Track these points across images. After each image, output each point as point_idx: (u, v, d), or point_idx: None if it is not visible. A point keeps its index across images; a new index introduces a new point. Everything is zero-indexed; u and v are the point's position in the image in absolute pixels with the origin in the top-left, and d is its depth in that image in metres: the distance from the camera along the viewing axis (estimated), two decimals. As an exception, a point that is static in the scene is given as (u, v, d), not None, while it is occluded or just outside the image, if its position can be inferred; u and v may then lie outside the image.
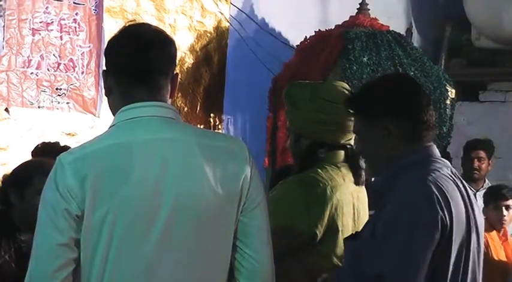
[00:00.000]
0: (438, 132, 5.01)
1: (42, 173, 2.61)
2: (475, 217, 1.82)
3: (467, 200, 1.81)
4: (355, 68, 4.72)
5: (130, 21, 1.86)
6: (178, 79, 1.80)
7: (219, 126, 5.15)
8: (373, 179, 1.95)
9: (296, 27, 5.43)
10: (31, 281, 1.63)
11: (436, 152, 1.86)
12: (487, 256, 4.17)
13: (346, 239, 1.93)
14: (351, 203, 2.23)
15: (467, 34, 6.83)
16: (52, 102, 4.13)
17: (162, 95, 1.72)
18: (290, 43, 5.51)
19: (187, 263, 1.65)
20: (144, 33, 1.72)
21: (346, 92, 2.24)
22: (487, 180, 4.94)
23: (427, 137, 1.85)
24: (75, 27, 4.23)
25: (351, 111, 1.91)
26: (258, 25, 5.42)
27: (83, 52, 4.26)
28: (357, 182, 2.25)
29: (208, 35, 5.07)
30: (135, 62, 1.69)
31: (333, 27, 5.25)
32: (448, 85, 5.12)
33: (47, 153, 2.98)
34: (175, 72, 1.77)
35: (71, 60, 4.21)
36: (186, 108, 4.93)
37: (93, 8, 4.28)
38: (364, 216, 2.27)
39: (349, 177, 2.23)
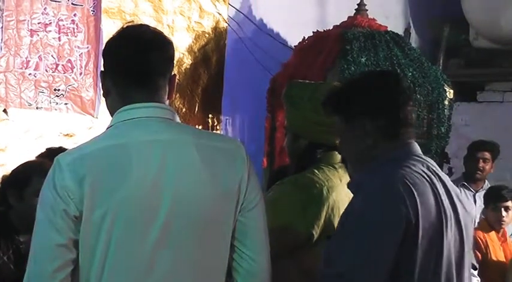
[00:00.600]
0: (436, 133, 5.02)
1: (41, 173, 2.62)
2: (456, 214, 1.80)
3: (443, 197, 1.78)
4: (353, 68, 4.72)
5: (129, 22, 1.88)
6: (176, 80, 1.81)
7: (217, 127, 5.16)
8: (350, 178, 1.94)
9: (294, 28, 5.43)
10: (35, 279, 1.63)
11: (417, 149, 1.85)
12: (486, 256, 4.20)
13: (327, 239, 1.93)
14: (347, 204, 2.23)
15: (465, 34, 6.83)
16: (50, 103, 4.13)
17: (160, 96, 1.73)
18: (288, 44, 5.52)
19: (186, 263, 1.65)
20: (142, 35, 1.72)
21: None
22: (486, 181, 4.95)
23: (406, 134, 1.84)
24: (74, 28, 4.23)
25: (330, 111, 1.91)
26: (256, 26, 5.43)
27: (81, 53, 4.26)
28: None
29: (207, 35, 5.07)
30: (134, 63, 1.69)
31: (331, 28, 5.25)
32: (446, 85, 5.12)
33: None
34: (173, 74, 1.77)
35: (69, 61, 4.21)
36: (184, 109, 4.93)
37: (91, 9, 4.28)
38: None
39: (346, 178, 2.24)
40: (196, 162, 1.66)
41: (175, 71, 4.93)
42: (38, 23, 4.08)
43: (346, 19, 5.23)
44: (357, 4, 5.30)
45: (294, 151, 2.31)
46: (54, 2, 4.15)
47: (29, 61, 4.06)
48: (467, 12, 6.66)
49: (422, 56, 5.22)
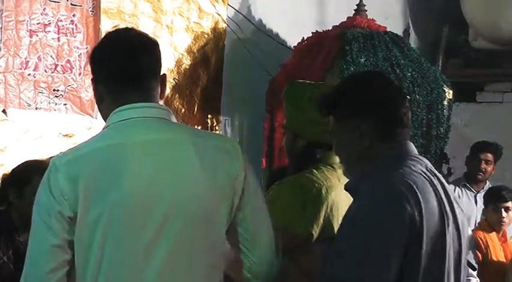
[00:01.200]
0: (436, 133, 5.02)
1: (41, 173, 2.63)
2: (454, 214, 1.80)
3: (442, 197, 1.78)
4: (352, 69, 4.72)
5: (115, 26, 1.88)
6: (176, 81, 1.82)
7: (217, 127, 5.16)
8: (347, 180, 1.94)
9: (293, 28, 5.43)
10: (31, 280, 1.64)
11: (413, 149, 1.85)
12: (486, 257, 4.20)
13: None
14: (347, 204, 2.23)
15: (465, 35, 6.83)
16: (49, 103, 4.13)
17: (154, 96, 1.74)
18: (287, 44, 5.51)
19: (181, 261, 1.65)
20: (130, 38, 1.74)
21: None
22: (488, 182, 4.95)
23: (401, 134, 1.83)
24: (73, 29, 4.23)
25: (324, 112, 1.90)
26: (255, 26, 5.43)
27: (80, 53, 4.26)
28: None
29: (206, 36, 5.07)
30: (126, 68, 1.70)
31: (330, 28, 5.25)
32: (445, 86, 5.12)
33: None
34: (162, 73, 1.78)
35: (68, 61, 4.21)
36: (183, 110, 4.93)
37: (91, 9, 4.28)
38: None
39: (344, 178, 2.23)
40: (192, 161, 1.66)
41: (174, 71, 4.98)
42: (37, 24, 4.08)
43: (345, 20, 5.23)
44: (356, 5, 5.30)
45: (292, 151, 2.31)
46: (54, 3, 4.15)
47: (28, 61, 4.06)
48: (466, 12, 6.66)
49: (421, 56, 5.22)
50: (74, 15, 4.23)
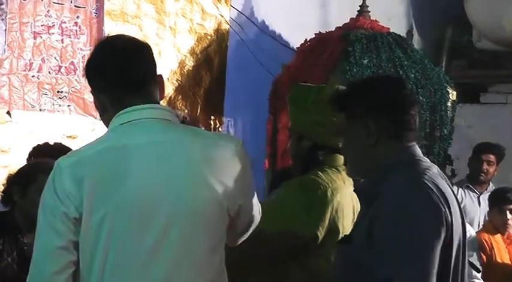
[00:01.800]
0: (439, 135, 5.01)
1: (47, 171, 2.63)
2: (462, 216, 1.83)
3: (458, 199, 1.83)
4: (355, 70, 4.72)
5: (107, 36, 1.88)
6: (170, 80, 1.84)
7: (220, 129, 5.16)
8: (358, 182, 1.94)
9: (296, 30, 5.43)
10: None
11: (419, 152, 1.86)
12: (491, 259, 4.20)
13: (338, 243, 1.92)
14: (351, 206, 2.24)
15: (468, 36, 6.82)
16: (53, 105, 4.14)
17: (155, 98, 1.75)
18: (290, 45, 5.52)
19: (185, 262, 1.66)
20: (123, 45, 1.74)
21: None
22: (491, 184, 4.94)
23: (408, 136, 1.85)
24: (76, 31, 4.24)
25: (336, 109, 1.92)
26: (258, 27, 5.43)
27: (84, 55, 4.26)
28: None
29: (209, 37, 5.07)
30: (126, 74, 1.71)
31: (333, 30, 5.24)
32: (448, 87, 5.12)
33: (44, 154, 3.02)
34: (158, 74, 1.79)
35: (72, 63, 4.22)
36: (186, 111, 4.94)
37: (94, 11, 4.29)
38: None
39: (349, 180, 2.24)
40: (196, 161, 1.68)
41: (177, 73, 4.98)
42: (41, 26, 4.10)
43: (348, 21, 5.23)
44: (359, 6, 5.29)
45: (297, 153, 2.32)
46: (57, 5, 4.17)
47: (32, 63, 4.07)
48: (470, 13, 6.65)
49: (425, 57, 5.22)
50: (77, 17, 4.24)
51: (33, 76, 4.07)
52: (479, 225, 4.73)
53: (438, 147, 5.04)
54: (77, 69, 4.23)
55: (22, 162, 3.16)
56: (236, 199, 1.72)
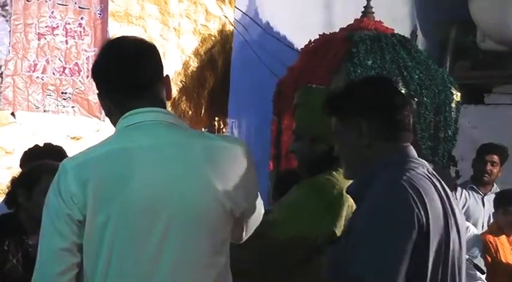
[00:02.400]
0: (443, 136, 5.00)
1: (51, 172, 2.63)
2: (455, 217, 1.81)
3: (445, 199, 1.80)
4: (359, 71, 4.72)
5: (112, 38, 1.87)
6: (174, 81, 1.83)
7: (224, 130, 5.16)
8: (349, 183, 1.94)
9: (300, 31, 5.43)
10: None
11: (413, 152, 1.86)
12: (495, 260, 4.19)
13: (329, 244, 1.93)
14: (356, 210, 2.23)
15: (473, 36, 6.80)
16: (57, 106, 4.15)
17: (161, 100, 1.75)
18: (294, 46, 5.51)
19: (189, 262, 1.66)
20: (127, 47, 1.74)
21: None
22: (495, 185, 4.93)
23: (402, 137, 1.85)
24: (81, 32, 4.25)
25: (328, 112, 1.92)
26: (263, 28, 5.43)
27: (88, 56, 4.27)
28: None
29: (213, 38, 5.08)
30: (130, 77, 1.71)
31: (337, 31, 5.24)
32: (453, 88, 5.11)
33: (39, 156, 3.05)
34: (165, 75, 1.78)
35: (76, 64, 4.23)
36: (190, 112, 4.94)
37: (98, 12, 4.30)
38: None
39: None
40: (200, 164, 1.68)
41: (181, 74, 4.98)
42: (46, 27, 4.10)
43: (352, 22, 5.23)
44: (364, 7, 5.29)
45: (309, 155, 2.29)
46: (62, 6, 4.17)
47: (37, 64, 4.08)
48: (474, 14, 6.64)
49: (429, 58, 5.21)
50: (81, 18, 4.25)
51: (37, 77, 4.08)
52: (483, 226, 4.72)
53: (442, 148, 5.03)
54: (81, 71, 4.24)
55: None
56: (240, 200, 1.72)
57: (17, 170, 3.23)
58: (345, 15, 5.50)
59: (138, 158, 1.65)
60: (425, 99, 4.84)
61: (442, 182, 1.84)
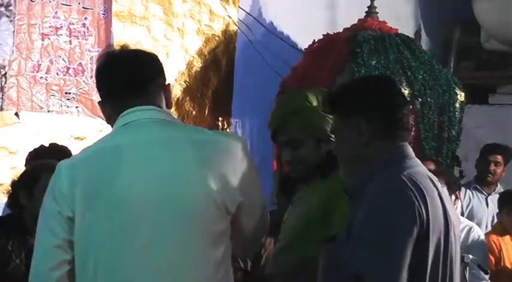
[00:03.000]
0: (447, 136, 4.99)
1: (50, 170, 2.64)
2: (449, 216, 1.81)
3: (443, 197, 1.80)
4: (363, 71, 4.71)
5: (123, 46, 1.91)
6: (178, 82, 1.84)
7: (227, 130, 5.16)
8: (347, 182, 1.93)
9: (304, 31, 5.42)
10: (31, 280, 1.72)
11: (410, 151, 1.86)
12: (499, 260, 4.17)
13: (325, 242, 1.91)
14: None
15: (477, 36, 6.79)
16: (61, 106, 4.15)
17: (155, 101, 1.77)
18: (298, 46, 5.51)
19: (178, 259, 1.66)
20: (125, 53, 1.80)
21: None
22: (499, 185, 4.92)
23: (401, 136, 1.84)
24: (84, 32, 4.25)
25: (328, 110, 1.92)
26: (266, 28, 5.43)
27: (92, 56, 4.28)
28: None
29: (217, 38, 5.08)
30: (128, 78, 1.76)
31: (341, 31, 5.24)
32: (457, 88, 5.10)
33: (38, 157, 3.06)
34: (167, 83, 1.81)
35: (80, 64, 4.23)
36: (194, 112, 4.94)
37: (102, 12, 4.31)
38: None
39: None
40: (187, 158, 1.68)
41: (185, 74, 4.98)
42: (49, 27, 4.11)
43: (356, 22, 5.22)
44: (367, 7, 5.28)
45: (317, 158, 2.23)
46: (65, 6, 4.18)
47: (40, 64, 4.08)
48: (478, 14, 6.62)
49: (433, 58, 5.21)
50: (85, 19, 4.26)
51: (41, 77, 4.08)
52: (487, 226, 4.71)
53: (446, 148, 5.02)
54: (84, 71, 4.24)
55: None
56: (235, 195, 1.71)
57: (21, 170, 3.24)
58: (348, 15, 5.49)
59: (126, 155, 1.68)
60: (429, 99, 4.83)
61: (437, 182, 1.84)
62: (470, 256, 3.32)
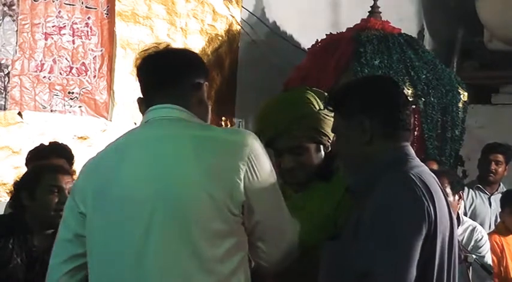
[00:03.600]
0: (450, 136, 4.99)
1: (51, 170, 2.66)
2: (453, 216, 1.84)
3: (447, 198, 1.83)
4: (366, 71, 4.71)
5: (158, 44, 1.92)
6: (205, 88, 1.85)
7: (230, 130, 5.16)
8: (349, 180, 1.91)
9: (307, 31, 5.42)
10: (48, 272, 1.81)
11: (412, 152, 1.86)
12: (501, 260, 4.17)
13: (326, 240, 1.90)
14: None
15: (480, 36, 6.79)
16: (64, 106, 4.15)
17: (179, 100, 1.77)
18: (301, 46, 5.51)
19: (178, 256, 1.66)
20: (160, 51, 1.83)
21: None
22: (501, 185, 4.92)
23: (403, 136, 1.85)
24: (87, 31, 4.25)
25: (332, 107, 1.92)
26: (269, 28, 5.43)
27: (95, 56, 4.28)
28: None
29: (220, 38, 5.08)
30: (151, 77, 1.81)
31: (344, 31, 5.24)
32: (460, 88, 5.10)
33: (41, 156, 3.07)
34: (200, 81, 1.82)
35: (83, 64, 4.24)
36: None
37: (105, 12, 4.31)
38: None
39: None
40: (190, 155, 1.68)
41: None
42: (53, 26, 4.11)
43: (359, 22, 5.22)
44: (370, 6, 5.28)
45: (318, 162, 2.18)
46: (69, 6, 4.18)
47: (44, 64, 4.08)
48: (481, 14, 6.62)
49: (436, 58, 5.20)
50: (88, 18, 4.26)
51: (44, 77, 4.08)
52: (490, 226, 4.71)
53: (449, 148, 5.02)
54: (88, 70, 4.24)
55: (33, 163, 3.17)
56: (237, 193, 1.67)
57: (24, 170, 3.24)
58: (351, 15, 5.49)
59: (128, 153, 1.72)
60: (432, 99, 4.83)
61: (437, 180, 1.85)
62: (474, 256, 3.33)
